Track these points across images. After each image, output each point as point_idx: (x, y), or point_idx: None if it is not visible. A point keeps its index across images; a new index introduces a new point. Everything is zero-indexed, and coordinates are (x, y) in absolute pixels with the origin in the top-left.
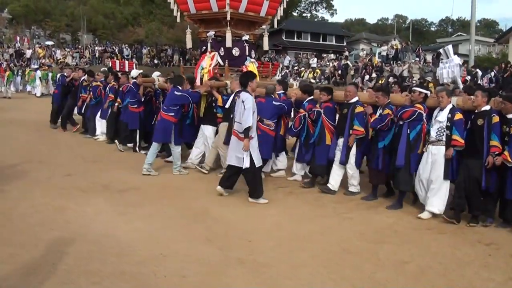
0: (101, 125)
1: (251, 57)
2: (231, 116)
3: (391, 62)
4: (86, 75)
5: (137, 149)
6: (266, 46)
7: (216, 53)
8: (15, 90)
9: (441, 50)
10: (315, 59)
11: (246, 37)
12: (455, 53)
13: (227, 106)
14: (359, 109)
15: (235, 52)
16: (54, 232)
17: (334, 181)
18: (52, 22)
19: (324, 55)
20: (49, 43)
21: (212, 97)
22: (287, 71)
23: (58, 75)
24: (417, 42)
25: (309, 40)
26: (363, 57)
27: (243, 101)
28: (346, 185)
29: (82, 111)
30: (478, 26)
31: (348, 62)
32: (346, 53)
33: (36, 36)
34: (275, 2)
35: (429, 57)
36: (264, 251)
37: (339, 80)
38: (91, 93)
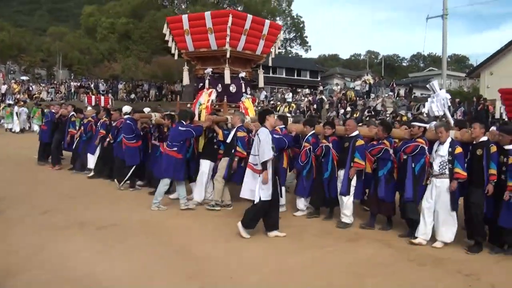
0: (90, 159)
1: (246, 93)
2: (232, 151)
3: (365, 96)
4: (74, 112)
5: (123, 182)
6: (261, 83)
7: (214, 89)
8: None
9: (427, 85)
10: (291, 94)
11: (242, 74)
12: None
13: (228, 140)
14: (359, 142)
15: (232, 88)
16: (32, 273)
17: (349, 213)
18: (28, 57)
19: (299, 89)
20: (24, 78)
21: (212, 132)
22: (263, 105)
23: (46, 111)
24: (390, 77)
25: (284, 75)
26: (337, 91)
27: (258, 134)
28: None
29: (73, 147)
30: (449, 61)
31: (323, 96)
32: (321, 87)
33: (11, 71)
34: (270, 41)
35: (401, 91)
36: (247, 287)
37: (314, 114)
38: (83, 128)
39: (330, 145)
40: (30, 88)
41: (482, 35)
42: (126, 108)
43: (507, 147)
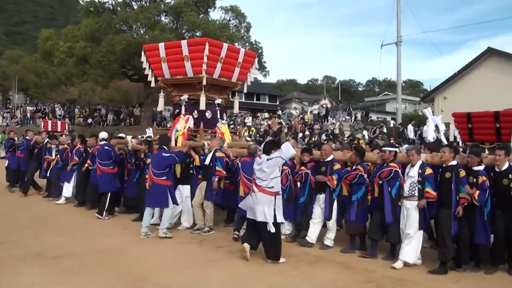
0: (66, 188)
1: (222, 119)
2: (212, 174)
3: (322, 120)
4: (48, 138)
5: (104, 212)
6: (236, 109)
7: (190, 116)
8: None
9: (424, 111)
10: (250, 118)
11: (218, 101)
12: (382, 111)
13: (206, 163)
14: (337, 166)
15: (208, 114)
16: None
17: (313, 234)
18: None
19: (258, 114)
20: None
21: (189, 157)
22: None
23: (20, 139)
24: (346, 101)
25: (243, 100)
26: (295, 115)
27: (268, 159)
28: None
29: (47, 174)
30: (404, 86)
31: (282, 120)
32: (279, 112)
33: None
34: (245, 69)
35: (358, 115)
36: None
37: (275, 139)
38: (59, 156)
39: (309, 171)
40: None
41: (435, 61)
42: (103, 134)
43: (475, 168)
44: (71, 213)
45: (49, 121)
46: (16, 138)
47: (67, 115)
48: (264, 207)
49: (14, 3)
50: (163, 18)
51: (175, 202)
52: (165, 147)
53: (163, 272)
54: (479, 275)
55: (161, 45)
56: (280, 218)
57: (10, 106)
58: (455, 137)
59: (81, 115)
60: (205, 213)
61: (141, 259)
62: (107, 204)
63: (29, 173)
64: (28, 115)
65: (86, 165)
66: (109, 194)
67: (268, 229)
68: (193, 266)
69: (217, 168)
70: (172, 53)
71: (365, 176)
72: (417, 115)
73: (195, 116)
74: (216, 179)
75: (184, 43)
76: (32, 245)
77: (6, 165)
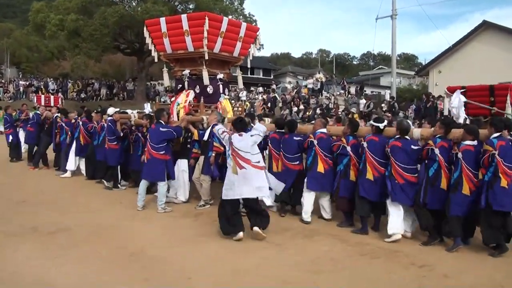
0: (69, 162)
1: (225, 94)
2: (209, 148)
3: (317, 94)
4: (59, 113)
5: (118, 185)
6: (240, 84)
7: (191, 90)
8: None
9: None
10: (245, 92)
11: (220, 76)
12: (377, 85)
13: (205, 138)
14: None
15: (210, 89)
16: None
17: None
18: None
19: (252, 88)
20: None
21: (187, 132)
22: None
23: (31, 114)
24: (341, 75)
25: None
26: (290, 90)
27: (249, 134)
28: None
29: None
30: (398, 60)
31: (276, 95)
32: (274, 86)
33: None
34: (247, 43)
35: (352, 89)
36: None
37: (268, 112)
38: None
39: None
40: None
41: (430, 35)
42: (111, 110)
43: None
44: (70, 187)
45: (42, 96)
46: (12, 114)
47: (60, 90)
48: (259, 182)
49: None
50: None
51: (172, 177)
52: (162, 122)
53: (158, 246)
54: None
55: (162, 20)
56: (268, 192)
57: (2, 81)
58: (449, 111)
59: (74, 90)
60: (202, 187)
61: (137, 233)
62: (118, 176)
63: (42, 147)
64: (21, 89)
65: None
66: (118, 166)
67: (260, 203)
68: (189, 240)
69: (214, 143)
70: (173, 28)
71: (348, 148)
72: (411, 89)
73: (197, 91)
74: (213, 154)
75: (184, 17)
76: (28, 220)
77: (10, 140)
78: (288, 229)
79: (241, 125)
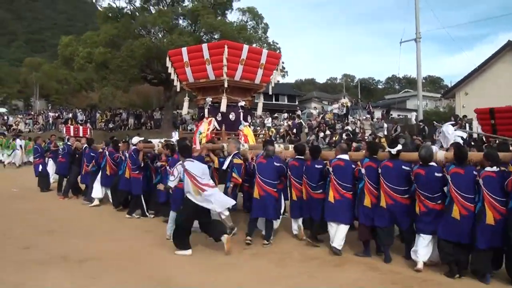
0: (94, 190)
1: (246, 122)
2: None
3: (343, 119)
4: (88, 144)
5: (146, 213)
6: (259, 111)
7: (213, 118)
8: None
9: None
10: (270, 119)
11: (242, 103)
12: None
13: (224, 167)
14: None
15: (232, 117)
16: None
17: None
18: (4, 89)
19: (276, 114)
20: (1, 109)
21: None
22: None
23: (61, 144)
24: (366, 99)
25: (262, 101)
26: (316, 115)
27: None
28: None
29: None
30: (424, 82)
31: (302, 121)
32: (299, 112)
33: None
34: (269, 70)
35: (378, 113)
36: None
37: (294, 139)
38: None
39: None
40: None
41: (455, 57)
42: (135, 140)
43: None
44: (98, 216)
45: (71, 126)
46: (42, 145)
47: (88, 120)
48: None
49: (33, 10)
50: (181, 22)
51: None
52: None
53: (185, 275)
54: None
55: (184, 50)
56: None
57: (32, 113)
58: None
59: (103, 120)
60: (223, 216)
61: (163, 261)
62: (143, 204)
63: (71, 177)
64: (51, 121)
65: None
66: (141, 196)
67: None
68: (216, 268)
69: (233, 174)
70: (194, 57)
71: (363, 171)
72: (438, 111)
73: (219, 119)
74: (231, 185)
75: (204, 46)
76: (57, 248)
77: (39, 170)
78: (316, 257)
79: (186, 152)
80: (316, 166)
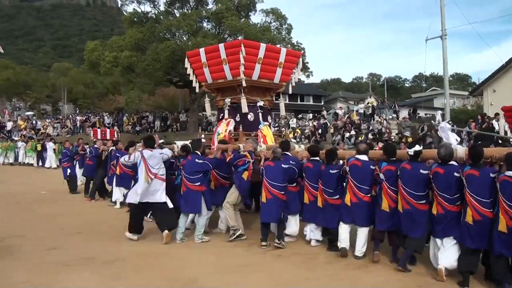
0: (114, 192)
1: (266, 122)
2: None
3: (369, 119)
4: (114, 146)
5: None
6: (282, 111)
7: (232, 119)
8: None
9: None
10: (295, 119)
11: (260, 103)
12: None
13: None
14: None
15: (250, 117)
16: None
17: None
18: (33, 93)
19: (300, 115)
20: (30, 113)
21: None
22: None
23: (88, 148)
24: (393, 98)
25: (287, 101)
26: (341, 115)
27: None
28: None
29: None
30: (451, 80)
31: (327, 121)
32: (324, 112)
33: (17, 108)
34: (288, 69)
35: (405, 113)
36: None
37: (319, 139)
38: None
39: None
40: (34, 123)
41: (482, 53)
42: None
43: None
44: (123, 218)
45: (99, 130)
46: (70, 148)
47: (115, 123)
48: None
49: (60, 18)
50: (205, 24)
51: (209, 208)
52: (198, 153)
53: (209, 276)
54: None
55: (202, 50)
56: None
57: (60, 117)
58: (505, 131)
59: (129, 123)
60: (224, 213)
61: (189, 262)
62: None
63: (97, 179)
64: (78, 124)
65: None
66: None
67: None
68: (240, 270)
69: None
70: (212, 57)
71: (381, 176)
72: (466, 110)
73: (237, 120)
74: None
75: (221, 46)
76: (83, 250)
77: (68, 173)
78: (341, 259)
79: (149, 143)
80: (331, 171)
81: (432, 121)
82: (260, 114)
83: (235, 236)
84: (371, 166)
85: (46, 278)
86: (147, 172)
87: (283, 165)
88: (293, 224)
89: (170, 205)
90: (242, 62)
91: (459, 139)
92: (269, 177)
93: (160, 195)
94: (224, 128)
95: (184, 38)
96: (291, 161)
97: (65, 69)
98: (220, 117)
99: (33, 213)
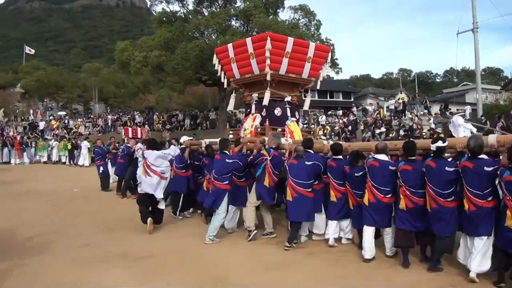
0: None
1: (294, 117)
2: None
3: (400, 115)
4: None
5: (177, 212)
6: (306, 107)
7: (258, 114)
8: (29, 161)
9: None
10: (324, 116)
11: (288, 98)
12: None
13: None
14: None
15: (277, 112)
16: None
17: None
18: (65, 93)
19: (329, 112)
20: (62, 113)
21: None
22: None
23: (122, 146)
24: (424, 94)
25: (316, 98)
26: (371, 111)
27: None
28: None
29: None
30: (483, 74)
31: (357, 118)
32: (354, 109)
33: (49, 108)
34: (317, 64)
35: (436, 108)
36: None
37: (349, 136)
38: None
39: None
40: (66, 122)
41: None
42: (183, 138)
43: None
44: None
45: (130, 128)
46: (102, 146)
47: (146, 122)
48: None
49: (91, 19)
50: (233, 22)
51: (243, 204)
52: (227, 152)
53: (241, 273)
54: None
55: (230, 46)
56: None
57: (91, 116)
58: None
59: (160, 121)
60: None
61: (221, 259)
62: (179, 203)
63: (127, 177)
64: (110, 123)
65: None
66: (182, 195)
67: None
68: (272, 267)
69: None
70: (239, 52)
71: (399, 174)
72: (499, 104)
73: (264, 114)
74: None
75: (248, 40)
76: (116, 246)
77: (101, 171)
78: (372, 258)
79: (152, 145)
80: (356, 174)
81: (447, 112)
82: (288, 109)
83: (250, 237)
84: (390, 167)
85: (80, 273)
86: (145, 168)
87: (306, 163)
88: (320, 223)
89: (162, 206)
90: (267, 55)
91: (475, 130)
92: (293, 175)
93: (158, 192)
94: (250, 123)
95: (213, 37)
96: (314, 158)
97: (95, 69)
98: (247, 112)
99: (67, 210)
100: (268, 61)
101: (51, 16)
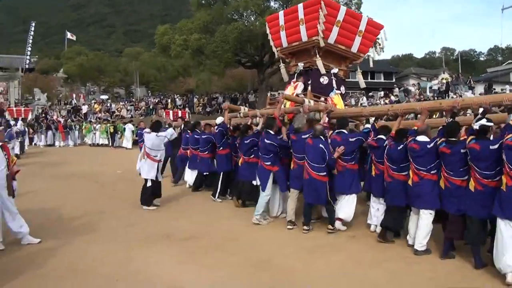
0: (186, 173)
1: (338, 90)
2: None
3: (443, 95)
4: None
5: (216, 194)
6: (362, 84)
7: (300, 82)
8: (73, 143)
9: None
10: (365, 98)
11: (334, 70)
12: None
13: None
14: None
15: (323, 80)
16: (119, 285)
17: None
18: (106, 78)
19: (370, 93)
20: (104, 97)
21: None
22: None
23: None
24: (467, 73)
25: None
26: (414, 92)
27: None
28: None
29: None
30: None
31: (399, 98)
32: (396, 89)
33: (91, 92)
34: (368, 40)
35: (480, 88)
36: None
37: (391, 117)
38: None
39: None
40: (108, 106)
41: None
42: (219, 120)
43: None
44: (201, 197)
45: (171, 111)
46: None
47: (186, 105)
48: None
49: (131, 3)
50: (272, 4)
51: (283, 189)
52: (271, 131)
53: (283, 256)
54: None
55: (281, 13)
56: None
57: (133, 99)
58: None
59: (200, 104)
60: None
61: (263, 241)
62: (219, 185)
63: (172, 158)
64: (151, 106)
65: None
66: (221, 174)
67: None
68: (314, 250)
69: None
70: (289, 19)
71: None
72: None
73: (309, 83)
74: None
75: (300, 6)
76: (159, 227)
77: None
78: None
79: (154, 127)
80: (399, 148)
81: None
82: (334, 81)
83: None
84: (428, 146)
85: (127, 252)
86: (145, 151)
87: (321, 145)
88: (346, 208)
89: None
90: (322, 19)
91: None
92: (309, 157)
93: (153, 174)
94: (292, 91)
95: (252, 19)
96: (350, 137)
97: (136, 53)
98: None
99: (112, 191)
100: (321, 26)
101: (91, 2)
